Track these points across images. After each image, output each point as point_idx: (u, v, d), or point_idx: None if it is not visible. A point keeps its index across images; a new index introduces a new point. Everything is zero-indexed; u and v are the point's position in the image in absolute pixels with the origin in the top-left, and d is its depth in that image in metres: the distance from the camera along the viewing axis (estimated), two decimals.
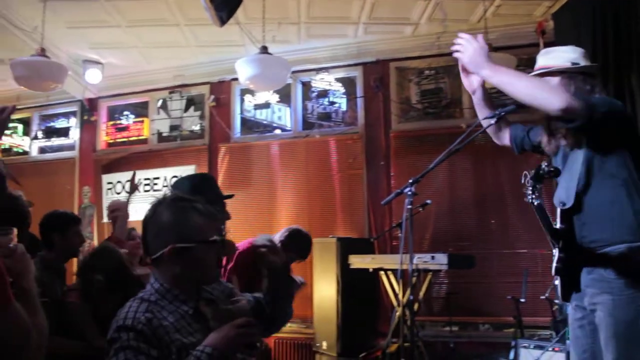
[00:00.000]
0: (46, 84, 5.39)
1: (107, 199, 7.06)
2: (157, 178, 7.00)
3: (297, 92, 6.86)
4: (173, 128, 7.32)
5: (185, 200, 1.78)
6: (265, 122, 6.96)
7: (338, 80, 6.70)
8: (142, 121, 7.51)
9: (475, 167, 5.97)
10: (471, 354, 5.40)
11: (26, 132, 8.05)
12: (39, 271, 3.05)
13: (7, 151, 7.99)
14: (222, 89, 7.08)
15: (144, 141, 7.45)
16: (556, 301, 4.27)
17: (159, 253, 1.68)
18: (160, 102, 7.44)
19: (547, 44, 5.15)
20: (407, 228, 2.76)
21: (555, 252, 2.32)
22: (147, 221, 1.76)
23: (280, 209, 6.54)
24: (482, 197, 5.92)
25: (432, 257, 4.43)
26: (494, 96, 6.11)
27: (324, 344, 5.41)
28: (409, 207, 2.73)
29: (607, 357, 2.17)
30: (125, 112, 7.62)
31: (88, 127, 7.69)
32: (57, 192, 7.49)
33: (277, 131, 6.93)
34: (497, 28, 5.82)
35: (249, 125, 7.07)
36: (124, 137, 7.59)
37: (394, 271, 4.87)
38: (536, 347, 4.16)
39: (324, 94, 6.68)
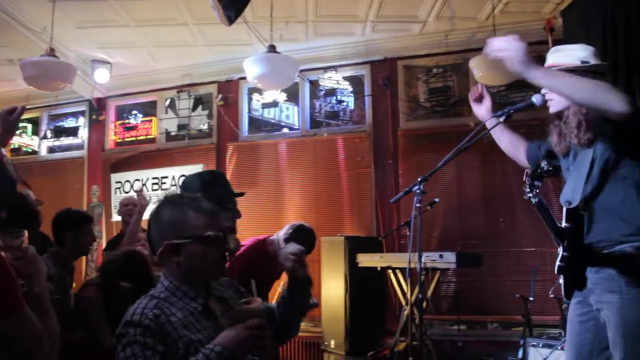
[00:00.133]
0: (55, 84, 5.42)
1: (116, 198, 7.10)
2: (165, 177, 7.02)
3: (305, 91, 6.86)
4: (181, 127, 7.34)
5: (184, 198, 1.80)
6: (273, 120, 6.97)
7: (346, 78, 6.69)
8: (150, 120, 7.53)
9: (483, 166, 5.95)
10: (479, 353, 5.39)
11: (35, 132, 8.10)
12: (50, 266, 3.08)
13: (17, 151, 8.04)
14: (229, 88, 7.10)
15: (152, 140, 7.47)
16: (565, 299, 4.25)
17: (160, 251, 1.71)
18: (168, 102, 7.47)
19: (556, 42, 5.13)
20: (415, 226, 2.76)
21: (560, 250, 2.32)
22: (151, 221, 1.80)
23: (288, 207, 6.55)
24: (491, 195, 5.91)
25: (441, 256, 4.42)
26: (502, 94, 6.12)
27: (332, 343, 5.41)
28: (418, 205, 2.73)
29: (615, 356, 2.17)
30: (134, 112, 7.65)
31: (96, 126, 7.73)
32: (66, 192, 7.53)
33: (285, 130, 6.93)
34: (506, 26, 5.79)
35: (256, 124, 7.08)
36: (132, 137, 7.62)
37: (402, 270, 4.86)
38: (545, 345, 4.14)
39: (331, 92, 6.68)
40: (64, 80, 5.37)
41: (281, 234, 3.83)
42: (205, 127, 7.26)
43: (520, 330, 4.80)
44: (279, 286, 6.16)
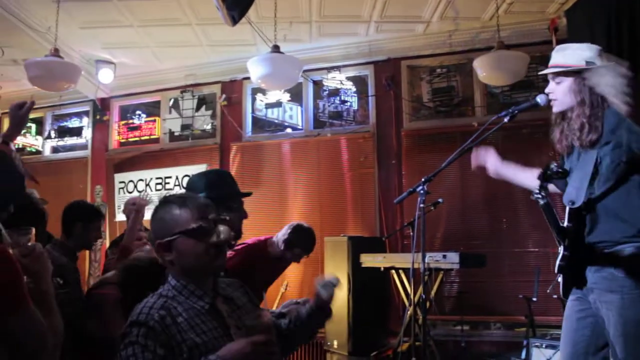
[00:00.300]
0: (60, 84, 5.44)
1: (119, 198, 7.11)
2: (169, 177, 7.03)
3: (309, 91, 6.87)
4: (185, 127, 7.34)
5: (172, 197, 1.80)
6: (276, 121, 6.97)
7: (349, 78, 6.69)
8: (154, 120, 7.55)
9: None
10: (483, 353, 5.38)
11: (39, 132, 8.12)
12: (59, 256, 3.08)
13: (21, 151, 8.06)
14: (233, 88, 7.11)
15: (156, 140, 7.48)
16: (562, 297, 4.24)
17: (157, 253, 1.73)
18: (171, 102, 7.48)
19: (560, 42, 5.11)
20: (419, 227, 2.76)
21: (561, 249, 2.32)
22: (150, 223, 1.82)
23: (292, 207, 6.56)
24: (494, 195, 5.90)
25: (444, 256, 4.41)
26: (505, 94, 6.12)
27: (335, 343, 5.41)
28: (422, 205, 2.73)
29: (615, 356, 2.17)
30: (137, 112, 7.66)
31: (100, 126, 7.75)
32: (70, 191, 7.53)
33: (289, 130, 6.94)
34: (510, 26, 5.80)
35: (260, 124, 7.09)
36: (136, 137, 7.63)
37: (406, 270, 4.85)
38: (548, 346, 4.14)
39: (335, 92, 6.68)
40: (68, 80, 5.39)
41: (280, 235, 3.81)
42: (208, 127, 7.27)
43: (523, 331, 4.80)
44: (281, 287, 6.20)
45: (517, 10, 5.64)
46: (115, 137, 7.71)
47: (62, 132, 7.99)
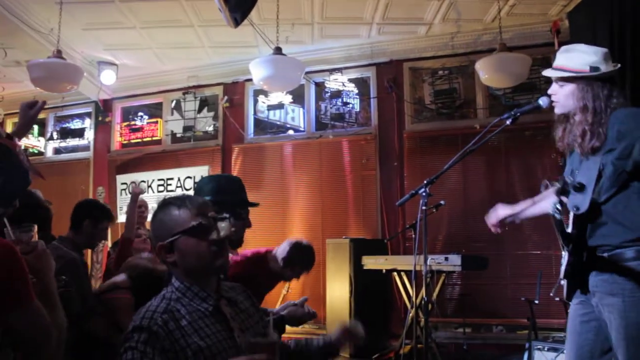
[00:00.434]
0: (62, 86, 5.45)
1: (121, 199, 7.11)
2: (171, 179, 7.03)
3: (311, 93, 6.87)
4: (187, 129, 7.35)
5: (171, 199, 1.79)
6: (278, 122, 6.98)
7: (351, 80, 6.70)
8: (156, 122, 7.56)
9: (488, 168, 5.94)
10: (485, 356, 5.37)
11: (42, 133, 8.13)
12: (70, 251, 3.08)
13: (23, 152, 8.06)
14: (235, 90, 7.11)
15: (158, 142, 7.49)
16: (566, 300, 4.23)
17: (160, 256, 1.72)
18: (174, 103, 7.49)
19: (562, 44, 5.09)
20: (421, 229, 2.75)
21: (566, 255, 2.31)
22: (151, 227, 1.82)
23: (294, 209, 6.56)
24: (495, 197, 5.82)
25: (446, 258, 4.41)
26: (507, 96, 6.11)
27: None
28: (424, 208, 2.72)
29: (618, 358, 2.16)
30: (139, 113, 7.67)
31: (102, 128, 7.76)
32: (72, 193, 7.54)
33: (291, 132, 6.94)
34: (512, 28, 5.80)
35: (262, 126, 7.09)
36: (138, 138, 7.64)
37: (408, 272, 4.85)
38: (550, 349, 4.12)
39: (337, 94, 6.68)
40: (70, 81, 5.40)
41: (280, 251, 3.78)
42: (210, 128, 7.27)
43: (525, 334, 4.78)
44: (282, 289, 6.19)
45: (519, 12, 5.64)
46: (117, 139, 7.72)
47: (64, 134, 8.00)
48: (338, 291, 5.47)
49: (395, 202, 3.91)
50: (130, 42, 6.34)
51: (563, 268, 2.31)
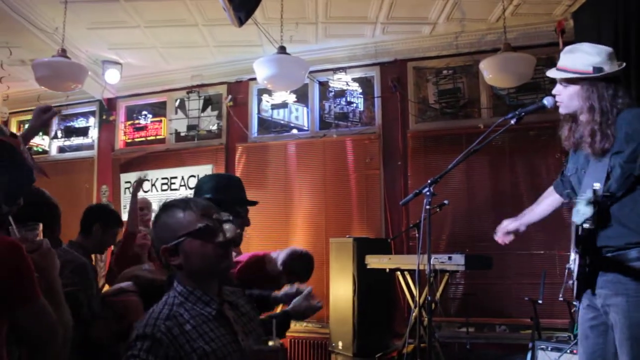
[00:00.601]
0: (67, 85, 5.46)
1: (125, 198, 7.13)
2: (175, 177, 7.05)
3: (315, 92, 6.87)
4: (190, 128, 7.36)
5: (174, 202, 1.77)
6: (282, 122, 6.98)
7: (355, 80, 6.69)
8: (160, 121, 7.57)
9: (492, 168, 5.93)
10: (488, 356, 5.37)
11: (46, 132, 8.14)
12: (80, 256, 3.08)
13: (27, 150, 8.08)
14: (239, 89, 7.12)
15: (162, 141, 7.50)
16: (574, 302, 4.23)
17: (162, 259, 1.70)
18: (178, 102, 7.50)
19: (567, 44, 5.09)
20: (425, 228, 2.76)
21: (576, 256, 2.30)
22: (152, 232, 1.81)
23: (297, 208, 6.56)
24: (499, 197, 5.89)
25: (449, 258, 4.41)
26: (511, 96, 6.11)
27: (340, 344, 5.41)
28: (428, 207, 2.73)
29: (622, 358, 2.16)
30: (143, 112, 7.68)
31: (107, 126, 7.77)
32: (76, 191, 7.57)
33: (294, 131, 6.94)
34: (516, 28, 5.79)
35: (266, 125, 7.10)
36: (142, 137, 7.66)
37: (411, 271, 4.85)
38: (554, 349, 4.12)
39: (341, 93, 6.68)
40: (75, 80, 5.41)
41: (280, 255, 3.79)
42: (214, 127, 7.28)
43: (528, 333, 4.78)
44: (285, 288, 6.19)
45: (524, 12, 5.63)
46: (121, 137, 7.73)
47: (69, 132, 8.02)
48: (341, 290, 5.48)
49: (399, 201, 3.90)
50: (134, 42, 6.35)
51: (576, 269, 2.30)
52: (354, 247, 5.41)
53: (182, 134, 7.42)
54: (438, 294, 4.80)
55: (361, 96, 6.68)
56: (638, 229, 2.18)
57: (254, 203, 2.63)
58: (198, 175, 6.69)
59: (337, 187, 6.47)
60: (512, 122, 2.57)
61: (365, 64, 6.66)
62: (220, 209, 2.19)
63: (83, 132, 7.97)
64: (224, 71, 7.10)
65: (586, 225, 2.17)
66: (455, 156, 2.78)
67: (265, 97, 7.04)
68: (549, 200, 2.82)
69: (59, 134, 8.04)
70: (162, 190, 7.03)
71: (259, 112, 7.12)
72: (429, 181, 2.74)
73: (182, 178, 7.00)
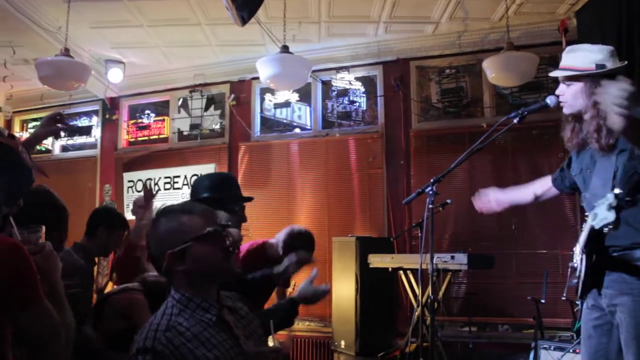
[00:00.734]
0: (70, 84, 5.47)
1: (128, 197, 7.15)
2: (178, 176, 7.06)
3: (317, 91, 6.87)
4: (193, 127, 7.36)
5: (174, 207, 1.75)
6: (285, 121, 6.98)
7: (358, 79, 6.69)
8: (163, 120, 7.57)
9: (495, 167, 5.93)
10: (490, 355, 5.36)
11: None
12: (79, 258, 3.08)
13: (25, 151, 8.09)
14: (242, 88, 7.12)
15: (165, 140, 7.51)
16: (577, 302, 4.23)
17: (164, 265, 1.65)
18: (180, 101, 7.50)
19: (570, 43, 5.08)
20: (427, 227, 2.76)
21: (582, 255, 2.29)
22: (149, 239, 1.74)
23: (300, 207, 6.56)
24: None
25: (452, 257, 4.40)
26: (514, 95, 6.10)
27: (342, 343, 5.41)
28: (430, 206, 2.73)
29: (627, 358, 2.16)
30: (146, 111, 7.69)
31: (109, 125, 7.79)
32: (79, 190, 7.59)
33: (297, 130, 6.94)
34: (519, 27, 5.78)
35: (268, 124, 7.10)
36: (144, 136, 7.66)
37: (414, 271, 4.85)
38: (556, 348, 4.11)
39: (344, 93, 6.68)
40: (78, 79, 5.42)
41: (279, 240, 3.82)
42: (217, 126, 7.29)
43: (531, 333, 4.78)
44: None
45: (527, 11, 5.62)
46: (124, 137, 7.74)
47: (72, 131, 8.02)
48: (344, 289, 5.48)
49: (402, 200, 3.91)
50: (137, 41, 6.36)
51: (583, 269, 2.29)
52: (356, 246, 5.40)
53: (185, 133, 7.43)
54: (441, 293, 4.79)
55: (364, 95, 6.68)
56: None
57: (249, 199, 2.66)
58: (201, 175, 6.69)
59: (339, 186, 6.47)
60: (515, 121, 2.57)
61: (368, 63, 6.66)
62: (217, 207, 2.21)
63: (86, 131, 7.97)
64: (226, 70, 7.10)
65: (605, 230, 2.15)
66: (458, 155, 2.79)
67: (268, 96, 7.04)
68: (542, 185, 2.82)
69: (62, 133, 8.03)
70: (165, 189, 7.04)
71: (261, 111, 7.12)
72: (431, 180, 2.75)
73: (185, 177, 7.00)
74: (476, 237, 5.88)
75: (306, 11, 5.68)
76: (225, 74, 7.15)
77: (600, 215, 2.12)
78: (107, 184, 7.61)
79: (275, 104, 7.01)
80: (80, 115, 8.06)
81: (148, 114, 7.65)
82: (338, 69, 6.65)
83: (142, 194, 3.67)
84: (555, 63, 5.75)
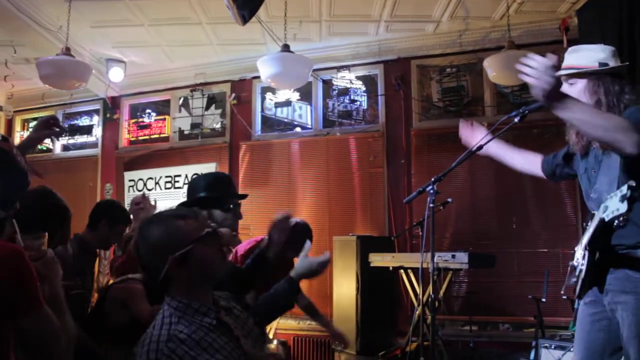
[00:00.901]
0: (71, 83, 5.48)
1: (129, 196, 7.14)
2: (178, 176, 7.06)
3: (318, 90, 6.87)
4: (194, 126, 7.37)
5: (163, 213, 1.76)
6: (286, 120, 6.98)
7: (359, 78, 6.69)
8: (164, 119, 7.58)
9: (496, 165, 5.84)
10: (491, 354, 5.36)
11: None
12: (79, 255, 3.09)
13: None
14: (243, 87, 7.12)
15: (166, 139, 7.51)
16: (577, 298, 4.22)
17: (164, 271, 1.64)
18: (181, 100, 7.50)
19: (571, 41, 5.10)
20: (428, 226, 2.76)
21: (584, 252, 2.29)
22: (140, 249, 1.72)
23: (301, 207, 6.56)
24: (503, 195, 5.88)
25: (453, 256, 4.40)
26: (515, 94, 6.09)
27: None
28: (431, 205, 2.73)
29: (629, 356, 2.16)
30: (147, 110, 7.70)
31: (110, 125, 7.79)
32: (80, 189, 7.59)
33: (298, 129, 6.94)
34: (520, 25, 5.78)
35: (269, 123, 7.10)
36: (145, 135, 7.67)
37: (415, 270, 4.85)
38: (557, 347, 4.12)
39: (344, 92, 6.68)
40: (79, 79, 5.42)
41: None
42: (218, 126, 7.29)
43: (532, 332, 4.78)
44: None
45: (528, 10, 5.62)
46: (125, 136, 7.74)
47: (73, 131, 8.03)
48: (345, 288, 5.48)
49: (403, 199, 3.91)
50: (138, 40, 6.36)
51: (584, 267, 2.29)
52: (357, 245, 5.41)
53: (186, 132, 7.43)
54: (441, 292, 4.79)
55: (365, 94, 6.68)
56: None
57: (244, 196, 2.70)
58: (201, 174, 6.69)
59: (340, 185, 6.47)
60: (516, 120, 2.57)
61: (369, 62, 6.66)
62: (214, 205, 2.24)
63: (87, 130, 7.98)
64: (227, 69, 7.10)
65: (616, 223, 2.13)
66: (458, 154, 2.79)
67: (268, 95, 7.05)
68: (528, 157, 2.83)
69: (58, 137, 8.04)
70: (166, 188, 7.04)
71: (262, 111, 7.12)
72: (432, 179, 2.75)
73: (186, 176, 7.00)
74: (477, 236, 5.88)
75: (307, 10, 5.68)
76: (226, 73, 7.15)
77: (612, 207, 2.11)
78: (108, 183, 7.61)
79: (276, 103, 7.01)
80: (81, 114, 8.07)
81: (149, 113, 7.66)
82: (339, 68, 6.66)
83: (141, 193, 3.68)
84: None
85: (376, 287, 5.38)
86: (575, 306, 4.34)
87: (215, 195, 2.52)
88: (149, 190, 6.99)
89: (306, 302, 4.24)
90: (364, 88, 6.67)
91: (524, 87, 5.80)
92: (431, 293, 3.59)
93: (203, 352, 1.57)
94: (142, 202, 4.23)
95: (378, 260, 5.12)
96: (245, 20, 4.20)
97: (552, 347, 4.15)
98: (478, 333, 5.56)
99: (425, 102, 6.44)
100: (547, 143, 5.67)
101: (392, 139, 6.39)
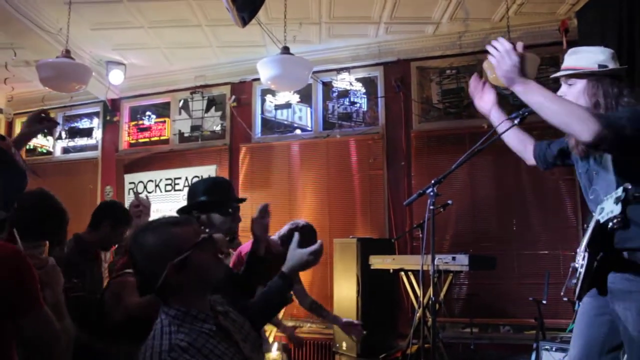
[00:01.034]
0: (71, 85, 5.46)
1: (129, 198, 7.14)
2: (179, 178, 7.05)
3: (318, 92, 6.87)
4: (194, 128, 7.37)
5: (158, 220, 1.74)
6: (286, 122, 6.98)
7: (359, 80, 6.69)
8: (164, 121, 7.58)
9: (496, 167, 5.92)
10: (492, 356, 5.36)
11: (50, 133, 8.16)
12: (74, 255, 3.07)
13: (32, 151, 8.15)
14: (243, 89, 7.13)
15: (166, 141, 7.52)
16: (576, 299, 4.21)
17: (162, 278, 1.62)
18: (181, 103, 7.51)
19: (570, 43, 5.10)
20: (429, 228, 2.76)
21: (585, 254, 2.28)
22: (135, 256, 1.69)
23: (301, 209, 6.56)
24: (504, 197, 5.88)
25: (453, 258, 4.40)
26: (515, 96, 6.08)
27: (344, 345, 5.40)
28: (431, 207, 2.72)
29: (630, 356, 2.15)
30: (147, 113, 7.70)
31: (111, 127, 7.79)
32: (80, 192, 7.59)
33: (298, 131, 6.94)
34: (520, 27, 5.78)
35: (269, 125, 7.10)
36: (145, 138, 7.67)
37: (415, 272, 4.84)
38: (558, 349, 4.11)
39: (344, 94, 6.67)
40: (79, 81, 5.41)
41: (282, 232, 3.91)
42: (218, 128, 7.29)
43: (533, 334, 4.77)
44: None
45: (528, 12, 5.63)
46: (125, 138, 7.75)
47: (73, 133, 8.04)
48: (345, 291, 5.48)
49: (403, 201, 3.91)
50: (138, 42, 6.36)
51: (584, 269, 2.28)
52: (357, 248, 5.41)
53: (186, 135, 7.44)
54: (442, 295, 4.79)
55: (364, 96, 6.67)
56: None
57: (243, 200, 2.73)
58: (202, 176, 6.69)
59: (340, 187, 6.47)
60: (516, 121, 2.57)
61: (369, 64, 6.66)
62: (213, 209, 2.25)
63: (87, 132, 7.99)
64: (227, 72, 7.11)
65: (610, 225, 2.14)
66: (458, 156, 2.78)
67: (268, 97, 7.05)
68: (522, 139, 2.85)
69: (63, 135, 8.06)
70: (166, 191, 7.04)
71: (262, 113, 7.12)
72: (432, 181, 2.74)
73: (186, 179, 7.00)
74: (477, 238, 5.87)
75: (307, 12, 5.69)
76: (226, 75, 7.16)
77: (607, 209, 2.12)
78: (108, 186, 7.61)
79: (276, 105, 7.01)
80: (81, 116, 8.08)
81: (149, 116, 7.66)
82: (339, 70, 6.66)
83: (142, 195, 3.66)
84: (556, 63, 5.76)
85: (376, 289, 5.37)
86: (576, 308, 4.34)
87: (214, 199, 2.54)
88: (150, 192, 6.98)
89: (309, 301, 4.25)
90: (363, 90, 6.67)
91: None
92: (432, 295, 3.58)
93: (205, 359, 1.56)
94: (141, 204, 4.23)
95: (378, 262, 5.12)
96: (245, 22, 4.20)
97: (553, 349, 4.14)
98: (479, 335, 5.56)
99: (425, 104, 6.44)
100: None
101: (392, 141, 6.39)
